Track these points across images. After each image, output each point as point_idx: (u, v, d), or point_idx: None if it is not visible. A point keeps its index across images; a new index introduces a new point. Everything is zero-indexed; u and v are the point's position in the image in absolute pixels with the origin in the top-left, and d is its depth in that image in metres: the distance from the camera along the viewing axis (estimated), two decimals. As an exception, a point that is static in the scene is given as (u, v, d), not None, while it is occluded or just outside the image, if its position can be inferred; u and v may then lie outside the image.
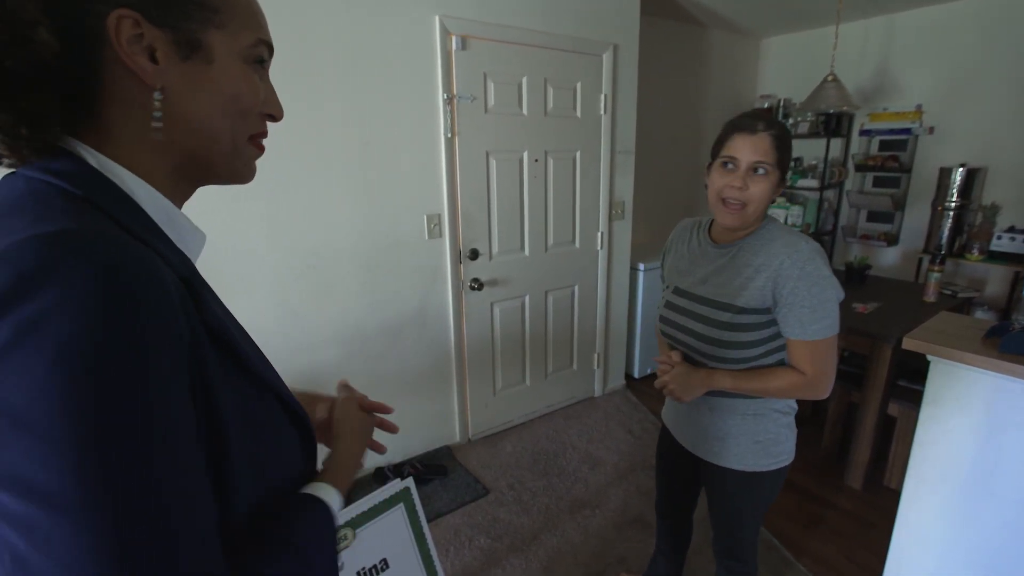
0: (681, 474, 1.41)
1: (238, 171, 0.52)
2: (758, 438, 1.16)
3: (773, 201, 1.10)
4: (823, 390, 1.08)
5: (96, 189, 0.41)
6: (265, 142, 0.55)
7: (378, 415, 0.76)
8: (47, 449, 0.32)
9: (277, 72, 2.13)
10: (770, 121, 1.04)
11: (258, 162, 0.56)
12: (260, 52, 0.50)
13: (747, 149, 1.03)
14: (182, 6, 0.43)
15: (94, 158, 0.42)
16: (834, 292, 1.04)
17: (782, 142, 1.04)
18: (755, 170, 1.03)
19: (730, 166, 1.05)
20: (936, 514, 1.42)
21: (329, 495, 0.55)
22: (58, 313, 0.32)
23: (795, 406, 1.20)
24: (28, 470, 0.32)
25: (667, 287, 1.28)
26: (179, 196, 0.50)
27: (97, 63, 0.41)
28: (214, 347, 0.44)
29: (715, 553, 1.38)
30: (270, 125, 0.55)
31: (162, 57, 0.43)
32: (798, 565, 1.89)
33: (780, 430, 1.17)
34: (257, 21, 0.49)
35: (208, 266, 1.98)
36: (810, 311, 1.02)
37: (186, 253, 0.48)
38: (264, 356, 0.55)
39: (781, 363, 1.14)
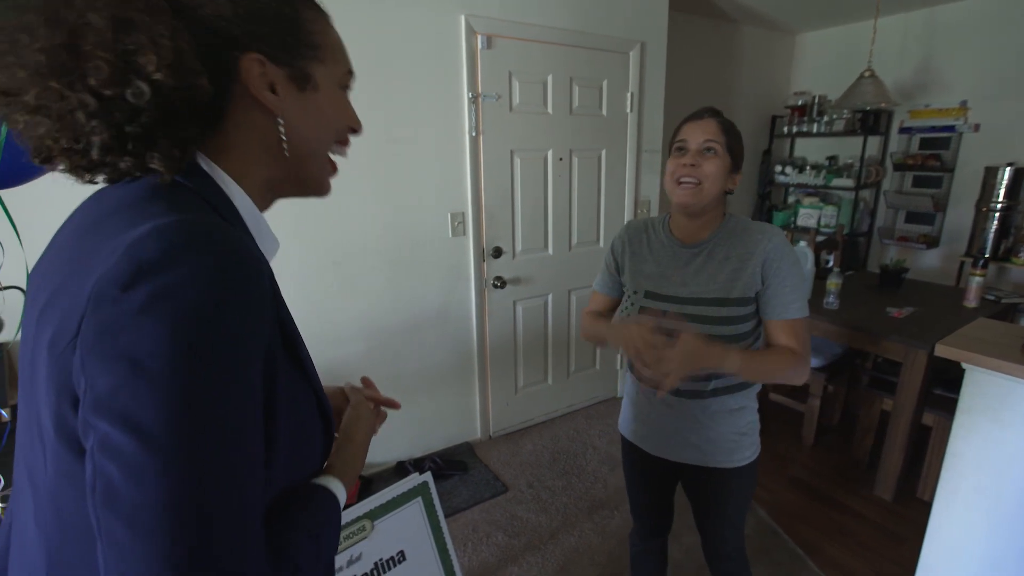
0: (659, 484, 1.35)
1: (323, 184, 0.61)
2: (742, 430, 1.18)
3: (730, 191, 1.13)
4: (807, 370, 1.11)
5: (208, 190, 0.49)
6: None
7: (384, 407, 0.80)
8: (156, 396, 0.37)
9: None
10: (716, 111, 1.12)
11: None
12: (349, 80, 0.60)
13: (696, 131, 1.09)
14: (296, 48, 0.52)
15: (209, 167, 0.50)
16: (800, 273, 1.10)
17: (729, 128, 1.10)
18: (705, 150, 1.08)
19: (682, 150, 1.11)
20: (969, 530, 1.37)
21: (338, 489, 0.59)
22: (187, 286, 0.39)
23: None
24: (136, 410, 0.37)
25: (634, 292, 1.22)
26: (264, 204, 0.58)
27: (229, 94, 0.50)
28: (282, 343, 0.49)
29: (709, 559, 1.35)
30: None
31: (281, 90, 0.52)
32: None
33: (754, 418, 1.21)
34: (345, 56, 0.59)
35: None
36: (791, 290, 1.08)
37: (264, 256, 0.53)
38: (310, 356, 0.59)
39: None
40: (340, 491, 0.59)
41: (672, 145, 1.14)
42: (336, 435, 0.69)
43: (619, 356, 3.14)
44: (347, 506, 0.65)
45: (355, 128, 0.62)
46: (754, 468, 1.22)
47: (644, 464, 1.32)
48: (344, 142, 0.61)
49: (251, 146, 0.52)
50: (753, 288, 1.09)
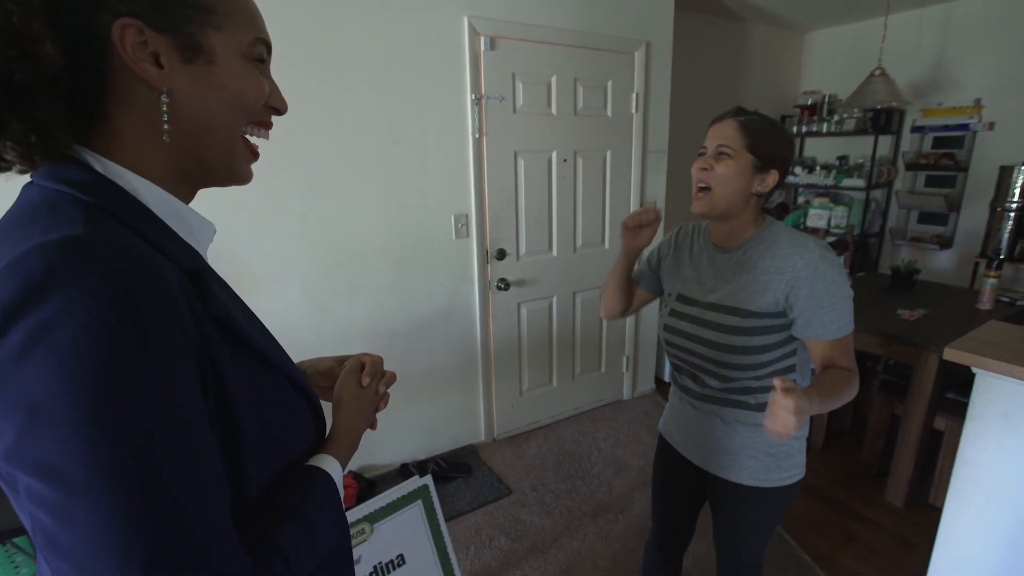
0: (685, 490, 1.33)
1: (236, 170, 0.54)
2: (770, 451, 1.12)
3: (760, 194, 1.06)
4: (858, 385, 1.06)
5: (103, 194, 0.43)
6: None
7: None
8: (63, 439, 0.35)
9: (310, 71, 2.15)
10: (740, 110, 1.06)
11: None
12: (259, 51, 0.51)
13: (713, 135, 1.06)
14: (181, 10, 0.45)
15: (100, 163, 0.44)
16: (848, 288, 1.03)
17: (751, 127, 1.03)
18: (719, 154, 1.05)
19: (702, 154, 1.08)
20: (980, 538, 1.33)
21: (330, 465, 0.58)
22: (64, 318, 0.35)
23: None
24: (49, 457, 0.36)
25: (668, 294, 1.24)
26: (182, 197, 0.51)
27: (106, 70, 0.43)
28: (223, 335, 0.46)
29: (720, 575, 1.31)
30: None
31: (166, 61, 0.45)
32: (831, 583, 1.81)
33: (792, 442, 1.13)
34: (254, 21, 0.51)
35: (242, 263, 2.03)
36: (830, 310, 1.01)
37: (195, 245, 0.50)
38: (275, 340, 0.58)
39: (792, 368, 1.11)
40: (331, 466, 0.58)
41: None
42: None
43: (624, 359, 3.12)
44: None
45: (276, 107, 0.54)
46: (782, 495, 1.14)
47: (672, 462, 1.31)
48: (262, 123, 0.54)
49: (142, 130, 0.46)
50: (773, 305, 1.04)
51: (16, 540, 1.48)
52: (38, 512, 0.37)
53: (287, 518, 0.50)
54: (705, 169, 1.05)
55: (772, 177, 1.05)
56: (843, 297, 1.02)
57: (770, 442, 1.12)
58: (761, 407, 1.10)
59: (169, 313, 0.39)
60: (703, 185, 1.06)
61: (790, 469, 1.13)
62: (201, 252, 0.51)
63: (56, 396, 0.35)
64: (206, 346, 0.43)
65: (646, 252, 1.28)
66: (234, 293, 0.54)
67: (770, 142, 1.03)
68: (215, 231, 0.55)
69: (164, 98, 0.45)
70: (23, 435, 0.36)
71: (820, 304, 1.01)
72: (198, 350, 0.42)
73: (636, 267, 1.33)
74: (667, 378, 3.37)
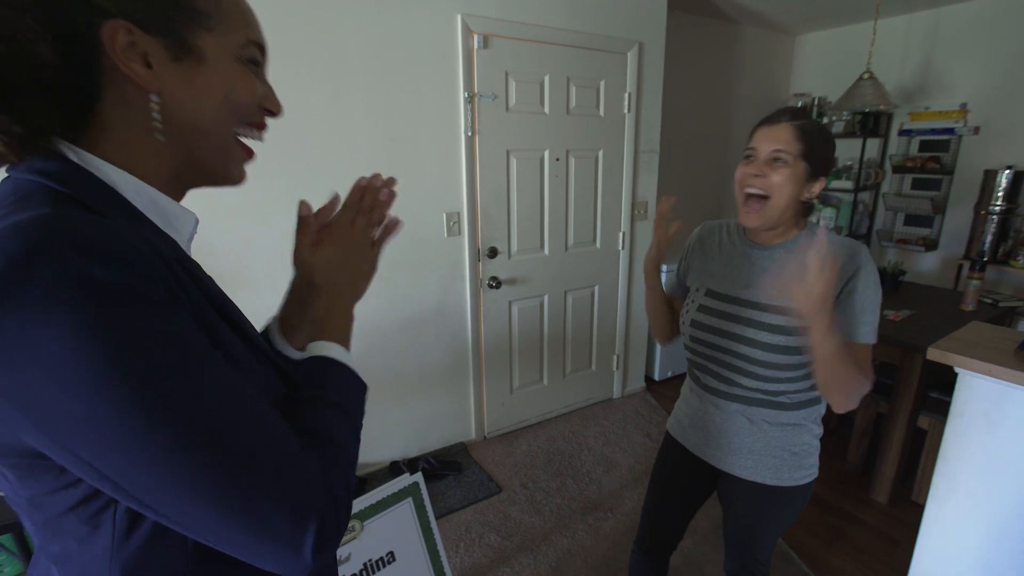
0: (688, 492, 1.31)
1: (229, 171, 0.54)
2: (794, 450, 1.11)
3: (809, 203, 1.04)
4: (859, 397, 1.01)
5: (77, 183, 0.43)
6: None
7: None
8: (98, 410, 0.35)
9: (304, 69, 2.13)
10: (796, 113, 1.01)
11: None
12: (251, 53, 0.51)
13: (766, 139, 1.01)
14: (171, 12, 0.45)
15: (75, 154, 0.44)
16: (880, 299, 1.01)
17: (806, 132, 0.99)
18: (774, 160, 1.00)
19: (751, 158, 1.04)
20: (961, 534, 1.36)
21: (332, 350, 0.58)
22: (53, 297, 0.34)
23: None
24: (82, 438, 0.36)
25: (696, 289, 1.19)
26: (172, 196, 0.51)
27: (95, 70, 0.43)
28: (217, 312, 0.48)
29: (729, 573, 1.31)
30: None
31: (155, 62, 0.45)
32: (816, 579, 1.83)
33: (812, 441, 1.13)
34: (246, 23, 0.51)
35: (238, 261, 2.01)
36: (861, 312, 0.99)
37: (175, 236, 0.50)
38: (255, 330, 0.58)
39: None
40: (335, 350, 0.57)
41: (744, 149, 1.08)
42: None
43: (615, 357, 3.13)
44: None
45: (270, 109, 0.54)
46: (801, 493, 1.13)
47: (680, 463, 1.27)
48: (256, 125, 0.54)
49: (132, 129, 0.46)
50: None
51: None
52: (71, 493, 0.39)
53: (315, 410, 0.51)
54: (758, 176, 1.00)
55: (820, 184, 1.02)
56: (876, 306, 1.00)
57: (794, 440, 1.10)
58: (794, 405, 1.09)
59: (150, 270, 0.39)
60: (756, 192, 1.01)
61: (809, 468, 1.13)
62: (181, 243, 0.51)
63: (69, 374, 0.35)
64: (201, 313, 0.44)
65: (668, 263, 1.26)
66: (218, 286, 0.54)
67: (822, 149, 1.00)
68: (197, 222, 0.54)
69: (154, 98, 0.45)
70: (47, 416, 0.36)
71: (854, 303, 0.99)
72: (197, 314, 0.43)
73: (667, 282, 1.32)
74: (658, 377, 3.40)
